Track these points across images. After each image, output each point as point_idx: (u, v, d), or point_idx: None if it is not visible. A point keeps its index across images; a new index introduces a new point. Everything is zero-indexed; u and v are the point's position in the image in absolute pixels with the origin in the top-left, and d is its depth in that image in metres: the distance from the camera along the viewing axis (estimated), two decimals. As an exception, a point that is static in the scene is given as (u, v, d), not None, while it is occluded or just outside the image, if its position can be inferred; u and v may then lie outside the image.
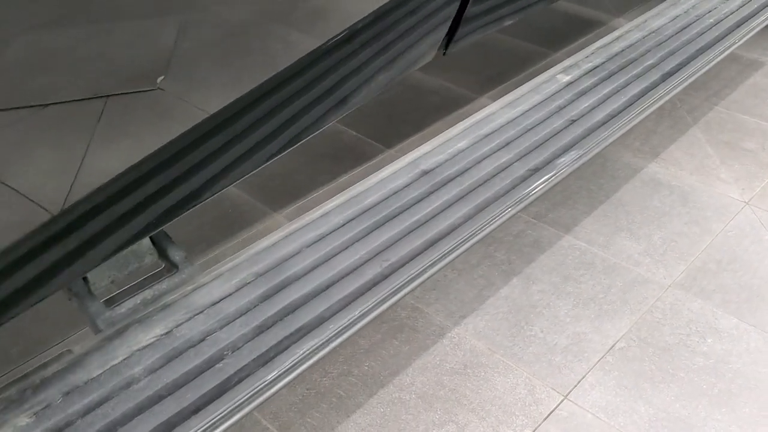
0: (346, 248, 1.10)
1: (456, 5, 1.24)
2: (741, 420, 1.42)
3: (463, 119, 2.27)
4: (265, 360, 0.92)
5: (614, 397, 1.47)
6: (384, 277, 1.08)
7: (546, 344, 1.58)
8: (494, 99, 2.38)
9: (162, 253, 1.10)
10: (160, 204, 0.99)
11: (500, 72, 2.51)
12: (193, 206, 1.04)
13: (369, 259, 1.09)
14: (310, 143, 2.22)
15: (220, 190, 1.08)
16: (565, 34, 2.72)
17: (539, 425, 1.42)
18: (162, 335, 0.95)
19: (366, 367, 1.53)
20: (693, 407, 1.45)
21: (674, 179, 2.02)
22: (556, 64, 1.87)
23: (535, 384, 1.49)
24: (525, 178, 1.28)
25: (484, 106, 2.38)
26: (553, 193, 1.99)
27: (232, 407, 0.87)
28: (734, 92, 2.38)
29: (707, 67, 1.68)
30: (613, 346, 1.57)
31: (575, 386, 1.49)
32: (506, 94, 1.72)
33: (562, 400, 1.47)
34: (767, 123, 2.23)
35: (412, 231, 1.13)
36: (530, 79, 1.77)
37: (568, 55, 2.57)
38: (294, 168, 2.09)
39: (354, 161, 2.13)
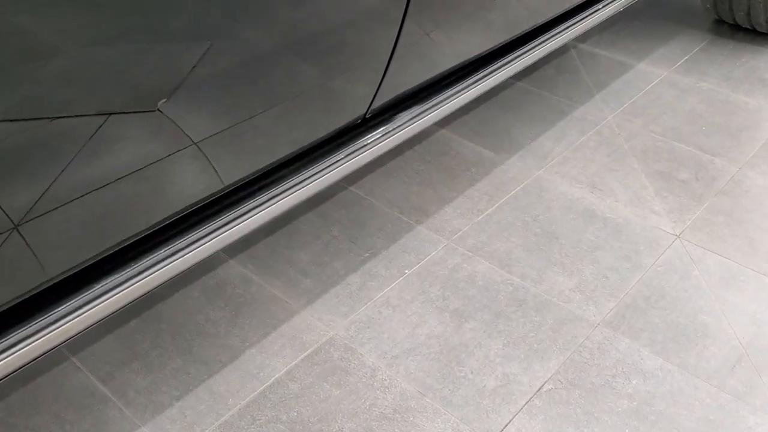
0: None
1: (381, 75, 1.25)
2: (660, 465, 1.45)
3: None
4: None
5: (539, 443, 1.49)
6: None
7: (475, 386, 1.59)
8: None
9: None
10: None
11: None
12: None
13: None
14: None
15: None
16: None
17: (465, 473, 1.44)
18: None
19: (295, 414, 1.53)
20: (615, 452, 1.48)
21: (609, 211, 2.05)
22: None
23: (463, 429, 1.51)
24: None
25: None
26: (489, 224, 2.00)
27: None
28: (672, 119, 2.42)
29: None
30: (540, 388, 1.59)
31: (501, 431, 1.51)
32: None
33: (488, 446, 1.48)
34: (701, 152, 2.27)
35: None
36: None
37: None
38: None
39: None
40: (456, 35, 1.47)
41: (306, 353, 1.65)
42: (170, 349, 1.67)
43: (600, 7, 1.92)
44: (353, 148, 1.28)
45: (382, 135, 1.33)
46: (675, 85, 2.58)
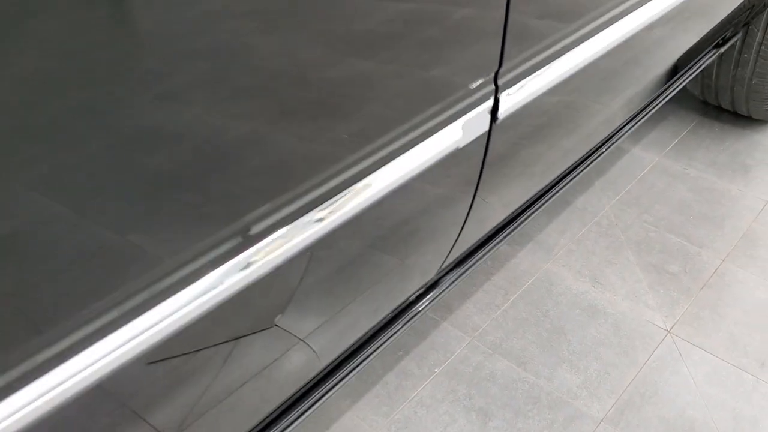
0: None
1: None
2: None
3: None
4: None
5: None
6: None
7: (500, 483, 1.90)
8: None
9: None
10: None
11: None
12: None
13: None
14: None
15: None
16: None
17: None
18: None
19: None
20: None
21: (609, 305, 2.35)
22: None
23: None
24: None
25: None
26: (506, 320, 2.30)
27: None
28: (663, 208, 2.71)
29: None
30: (555, 484, 1.90)
31: None
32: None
33: None
34: (689, 244, 2.57)
35: None
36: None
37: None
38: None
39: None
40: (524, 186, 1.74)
41: None
42: (239, 450, 1.96)
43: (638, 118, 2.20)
44: (402, 322, 1.54)
45: (430, 302, 1.60)
46: (666, 171, 2.87)
